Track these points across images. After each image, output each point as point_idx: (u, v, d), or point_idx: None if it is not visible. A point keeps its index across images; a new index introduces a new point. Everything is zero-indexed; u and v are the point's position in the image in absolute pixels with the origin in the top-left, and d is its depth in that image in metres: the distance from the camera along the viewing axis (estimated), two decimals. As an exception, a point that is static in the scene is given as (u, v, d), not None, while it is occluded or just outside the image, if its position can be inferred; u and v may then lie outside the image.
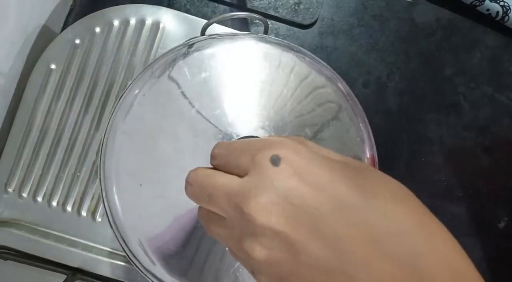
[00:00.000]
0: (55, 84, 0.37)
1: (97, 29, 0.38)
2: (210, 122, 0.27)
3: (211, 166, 0.21)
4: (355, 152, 0.29)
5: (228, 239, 0.19)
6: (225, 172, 0.20)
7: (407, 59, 0.44)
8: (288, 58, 0.29)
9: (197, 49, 0.29)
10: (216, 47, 0.29)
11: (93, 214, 0.36)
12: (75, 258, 0.35)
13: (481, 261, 0.43)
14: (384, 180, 0.18)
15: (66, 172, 0.37)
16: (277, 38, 0.30)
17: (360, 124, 0.29)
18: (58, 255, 0.35)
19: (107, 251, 0.36)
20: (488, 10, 0.43)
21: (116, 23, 0.38)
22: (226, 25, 0.38)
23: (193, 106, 0.27)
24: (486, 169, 0.44)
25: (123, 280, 0.35)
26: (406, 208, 0.17)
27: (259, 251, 0.17)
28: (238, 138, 0.27)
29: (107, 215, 0.27)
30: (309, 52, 0.30)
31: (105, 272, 0.35)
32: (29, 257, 0.35)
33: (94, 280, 0.35)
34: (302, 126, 0.28)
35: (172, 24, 0.38)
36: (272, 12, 0.42)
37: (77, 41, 0.38)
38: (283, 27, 0.43)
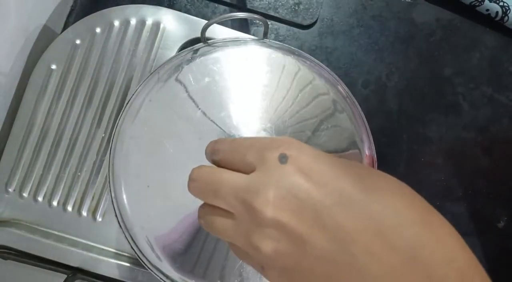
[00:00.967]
0: (56, 85, 0.37)
1: (98, 30, 0.38)
2: (216, 124, 0.28)
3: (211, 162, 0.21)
4: (355, 152, 0.29)
5: (234, 234, 0.19)
6: (227, 167, 0.20)
7: (407, 59, 0.44)
8: (290, 62, 0.30)
9: (202, 54, 0.29)
10: (220, 52, 0.30)
11: (93, 213, 0.37)
12: (75, 257, 0.35)
13: (481, 260, 0.43)
14: (384, 176, 0.19)
15: (67, 172, 0.37)
16: (279, 43, 0.31)
17: (360, 125, 0.30)
18: (59, 254, 0.35)
19: (108, 250, 0.36)
20: (487, 10, 0.43)
21: (116, 23, 0.38)
22: (226, 26, 0.38)
23: (199, 109, 0.28)
24: (485, 169, 0.44)
25: (123, 280, 0.36)
26: (407, 202, 0.18)
27: (267, 244, 0.18)
28: None
29: (116, 214, 0.28)
30: (309, 56, 0.31)
31: (106, 271, 0.35)
32: (30, 257, 0.35)
33: (95, 280, 0.35)
34: (303, 128, 0.28)
35: (173, 24, 0.38)
36: (272, 13, 0.43)
37: (78, 42, 0.38)
38: (283, 27, 0.43)
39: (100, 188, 0.37)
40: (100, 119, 0.37)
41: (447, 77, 0.44)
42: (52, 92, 0.37)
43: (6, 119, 0.37)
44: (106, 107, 0.37)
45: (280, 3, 0.43)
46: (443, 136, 0.44)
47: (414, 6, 0.44)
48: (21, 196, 0.37)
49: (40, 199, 0.37)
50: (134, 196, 0.28)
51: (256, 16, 0.29)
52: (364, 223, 0.17)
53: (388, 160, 0.43)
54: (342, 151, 0.29)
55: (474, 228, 0.43)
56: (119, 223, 0.28)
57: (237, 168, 0.20)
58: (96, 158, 0.37)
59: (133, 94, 0.29)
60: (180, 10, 0.40)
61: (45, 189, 0.37)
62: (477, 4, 0.42)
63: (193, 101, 0.28)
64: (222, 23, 0.38)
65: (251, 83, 0.29)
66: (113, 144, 0.29)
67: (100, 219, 0.37)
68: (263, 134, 0.28)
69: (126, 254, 0.36)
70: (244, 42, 0.30)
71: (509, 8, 0.42)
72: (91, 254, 0.35)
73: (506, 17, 0.42)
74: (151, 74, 0.30)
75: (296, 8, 0.43)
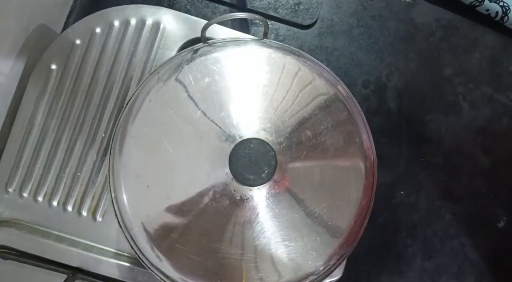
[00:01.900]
0: (56, 84, 0.37)
1: (98, 30, 0.38)
2: (216, 124, 0.28)
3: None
4: (355, 152, 0.29)
5: None
6: None
7: (407, 60, 0.44)
8: (290, 62, 0.30)
9: (202, 54, 0.29)
10: (220, 52, 0.29)
11: (93, 213, 0.37)
12: (75, 257, 0.35)
13: (481, 260, 0.43)
14: None
15: (67, 172, 0.37)
16: (279, 43, 0.31)
17: (360, 125, 0.30)
18: (59, 254, 0.35)
19: (108, 250, 0.36)
20: (487, 10, 0.43)
21: (116, 23, 0.38)
22: (226, 26, 0.38)
23: (199, 109, 0.28)
24: (485, 169, 0.44)
25: (123, 280, 0.36)
26: None
27: None
28: (241, 140, 0.27)
29: (116, 214, 0.28)
30: (309, 56, 0.31)
31: (106, 271, 0.35)
32: (30, 257, 0.35)
33: (95, 280, 0.35)
34: (303, 128, 0.28)
35: (173, 24, 0.38)
36: (272, 13, 0.43)
37: (78, 42, 0.38)
38: (283, 27, 0.43)
39: (100, 188, 0.37)
40: (100, 120, 0.37)
41: (447, 77, 0.44)
42: (52, 92, 0.37)
43: (6, 119, 0.37)
44: (106, 107, 0.37)
45: (280, 3, 0.43)
46: (443, 137, 0.44)
47: (414, 6, 0.44)
48: (21, 196, 0.37)
49: (40, 199, 0.37)
50: (134, 196, 0.28)
51: (256, 16, 0.29)
52: None
53: (388, 160, 0.43)
54: (342, 151, 0.29)
55: (473, 227, 0.43)
56: (119, 223, 0.28)
57: None
58: (96, 158, 0.37)
59: (133, 94, 0.29)
60: (180, 10, 0.40)
61: (45, 189, 0.37)
62: (477, 4, 0.42)
63: (193, 101, 0.28)
64: (222, 23, 0.38)
65: (251, 83, 0.29)
66: (113, 144, 0.29)
67: (100, 219, 0.37)
68: (262, 134, 0.28)
69: (126, 254, 0.36)
70: (244, 42, 0.30)
71: (509, 8, 0.42)
72: (91, 254, 0.36)
73: (506, 17, 0.43)
74: (151, 74, 0.30)
75: (296, 8, 0.43)
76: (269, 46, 0.30)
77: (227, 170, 0.27)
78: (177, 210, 0.27)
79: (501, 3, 0.42)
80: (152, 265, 0.28)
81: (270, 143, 0.27)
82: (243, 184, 0.27)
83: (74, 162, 0.37)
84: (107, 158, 0.30)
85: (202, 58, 0.29)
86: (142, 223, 0.28)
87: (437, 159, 0.43)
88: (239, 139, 0.27)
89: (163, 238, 0.28)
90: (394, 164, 0.43)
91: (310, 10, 0.43)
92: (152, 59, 0.38)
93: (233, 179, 0.27)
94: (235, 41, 0.31)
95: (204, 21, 0.38)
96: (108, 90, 0.37)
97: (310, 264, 0.28)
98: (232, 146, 0.27)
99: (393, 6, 0.44)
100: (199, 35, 0.31)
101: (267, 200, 0.27)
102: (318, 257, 0.28)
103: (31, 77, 0.37)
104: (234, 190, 0.27)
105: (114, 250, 0.36)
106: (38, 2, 0.38)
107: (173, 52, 0.38)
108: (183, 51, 0.31)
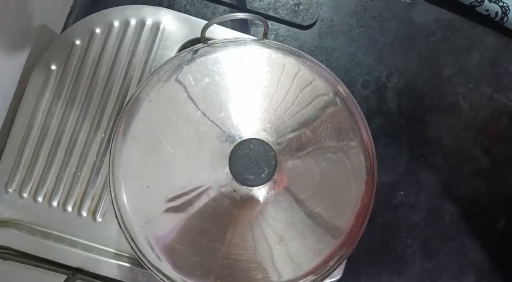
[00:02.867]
0: (56, 85, 0.37)
1: (97, 30, 0.38)
2: (216, 124, 0.28)
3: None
4: (355, 153, 0.29)
5: None
6: None
7: (406, 60, 0.44)
8: (290, 63, 0.30)
9: (202, 55, 0.29)
10: (220, 52, 0.29)
11: (93, 214, 0.37)
12: (75, 258, 0.35)
13: (481, 260, 0.43)
14: None
15: (67, 172, 0.37)
16: (279, 43, 0.31)
17: (360, 125, 0.30)
18: (58, 255, 0.35)
19: (108, 251, 0.36)
20: (487, 10, 0.43)
21: (116, 23, 0.38)
22: (226, 26, 0.38)
23: (199, 109, 0.28)
24: (485, 169, 0.44)
25: (123, 280, 0.36)
26: None
27: None
28: (241, 141, 0.27)
29: (116, 215, 0.28)
30: (309, 56, 0.31)
31: (106, 272, 0.35)
32: (30, 257, 0.35)
33: (95, 280, 0.35)
34: (303, 129, 0.28)
35: (172, 25, 0.38)
36: (272, 13, 0.43)
37: (78, 42, 0.38)
38: (282, 28, 0.43)
39: (100, 188, 0.37)
40: (100, 120, 0.37)
41: (447, 77, 0.44)
42: (51, 92, 0.37)
43: (6, 119, 0.37)
44: (106, 107, 0.37)
45: (280, 4, 0.43)
46: (443, 137, 0.44)
47: (414, 7, 0.44)
48: (21, 196, 0.37)
49: (40, 199, 0.37)
50: (134, 196, 0.28)
51: (256, 16, 0.29)
52: None
53: (388, 160, 0.43)
54: (341, 151, 0.29)
55: (473, 228, 0.43)
56: (119, 223, 0.28)
57: None
58: (96, 158, 0.37)
59: (133, 95, 0.30)
60: (180, 11, 0.40)
61: (45, 189, 0.37)
62: (477, 4, 0.42)
63: (193, 101, 0.28)
64: (222, 23, 0.38)
65: (251, 83, 0.29)
66: (113, 144, 0.29)
67: (100, 219, 0.37)
68: (263, 134, 0.28)
69: (126, 255, 0.36)
70: (244, 42, 0.30)
71: (508, 9, 0.42)
72: (91, 255, 0.36)
73: (506, 17, 0.43)
74: (151, 74, 0.30)
75: (296, 8, 0.43)
76: (269, 47, 0.30)
77: (227, 170, 0.27)
78: (177, 210, 0.27)
79: (501, 4, 0.42)
80: (152, 265, 0.28)
81: (270, 143, 0.27)
82: (243, 184, 0.27)
83: (74, 162, 0.37)
84: (107, 158, 0.30)
85: (202, 58, 0.29)
86: (142, 223, 0.28)
87: (437, 159, 0.43)
88: (239, 140, 0.27)
89: (163, 238, 0.28)
90: (394, 164, 0.43)
91: (310, 10, 0.43)
92: (152, 60, 0.38)
93: (233, 179, 0.27)
94: (235, 42, 0.31)
95: (204, 22, 0.38)
96: (108, 91, 0.37)
97: (310, 264, 0.28)
98: (232, 146, 0.27)
99: (393, 7, 0.44)
100: (199, 35, 0.31)
101: (267, 200, 0.27)
102: (318, 257, 0.28)
103: (31, 78, 0.37)
104: (234, 190, 0.27)
105: (114, 251, 0.36)
106: (38, 2, 0.38)
107: (173, 53, 0.38)
108: (183, 51, 0.31)
